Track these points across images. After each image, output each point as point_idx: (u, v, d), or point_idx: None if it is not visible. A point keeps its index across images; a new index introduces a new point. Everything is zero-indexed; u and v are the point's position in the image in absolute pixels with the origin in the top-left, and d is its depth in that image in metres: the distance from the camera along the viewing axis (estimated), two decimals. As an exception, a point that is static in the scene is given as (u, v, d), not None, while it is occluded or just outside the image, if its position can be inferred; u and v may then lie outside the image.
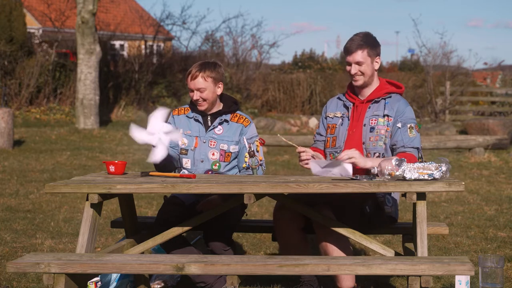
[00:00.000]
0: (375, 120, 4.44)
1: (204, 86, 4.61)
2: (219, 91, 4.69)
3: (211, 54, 24.29)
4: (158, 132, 4.24)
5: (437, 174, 3.89)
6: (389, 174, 3.94)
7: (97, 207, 4.09)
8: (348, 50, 4.48)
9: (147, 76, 21.63)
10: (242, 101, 22.90)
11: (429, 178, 3.88)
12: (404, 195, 3.98)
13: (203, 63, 4.70)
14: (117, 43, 26.17)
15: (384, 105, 4.45)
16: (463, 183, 3.87)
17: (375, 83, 4.52)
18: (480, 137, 14.17)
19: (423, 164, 3.95)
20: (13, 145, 13.33)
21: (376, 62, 4.49)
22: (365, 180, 3.94)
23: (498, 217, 7.40)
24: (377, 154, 4.38)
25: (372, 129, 4.42)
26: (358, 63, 4.45)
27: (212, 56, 23.65)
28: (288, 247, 4.46)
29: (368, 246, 4.17)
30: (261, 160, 4.59)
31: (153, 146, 4.26)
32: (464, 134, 16.24)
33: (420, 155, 4.45)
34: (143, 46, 24.18)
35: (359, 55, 4.44)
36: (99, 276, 4.64)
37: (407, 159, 4.20)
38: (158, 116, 4.26)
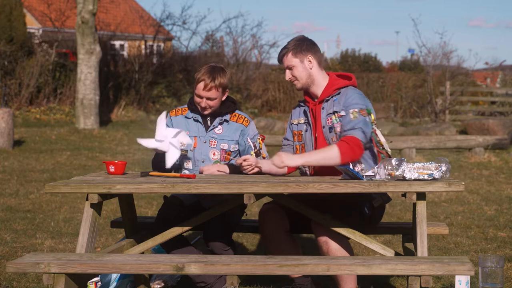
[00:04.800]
0: (330, 119, 4.36)
1: (215, 96, 4.61)
2: (225, 97, 4.70)
3: (211, 54, 24.30)
4: (166, 137, 4.25)
5: (437, 174, 3.89)
6: (389, 174, 3.95)
7: (97, 207, 4.09)
8: (277, 59, 4.49)
9: (147, 76, 21.63)
10: (242, 101, 22.91)
11: (429, 178, 3.88)
12: (404, 195, 3.98)
13: (212, 69, 4.62)
14: (117, 43, 26.16)
15: (333, 102, 4.37)
16: (463, 183, 3.86)
17: (322, 81, 4.42)
18: (480, 137, 14.18)
19: (423, 164, 3.96)
20: (13, 145, 13.33)
21: (309, 61, 4.38)
22: (365, 180, 3.95)
23: (498, 217, 7.40)
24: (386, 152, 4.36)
25: (330, 129, 4.36)
26: (288, 68, 4.41)
27: (212, 56, 23.65)
28: (275, 250, 4.44)
29: (368, 246, 4.17)
30: (264, 158, 4.59)
31: (165, 152, 4.27)
32: (464, 134, 16.25)
33: (366, 135, 4.22)
34: (143, 46, 24.18)
35: (285, 60, 4.40)
36: (99, 276, 4.65)
37: (346, 143, 4.15)
38: (163, 122, 4.29)
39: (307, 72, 4.39)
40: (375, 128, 4.33)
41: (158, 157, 4.55)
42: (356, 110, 4.26)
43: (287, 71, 4.43)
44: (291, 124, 4.58)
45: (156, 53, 24.06)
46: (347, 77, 4.49)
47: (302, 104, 4.56)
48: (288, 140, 4.59)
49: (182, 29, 29.47)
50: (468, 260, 3.74)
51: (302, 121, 4.50)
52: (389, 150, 4.38)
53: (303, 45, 4.40)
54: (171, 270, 3.76)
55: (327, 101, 4.39)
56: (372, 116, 4.32)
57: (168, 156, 4.27)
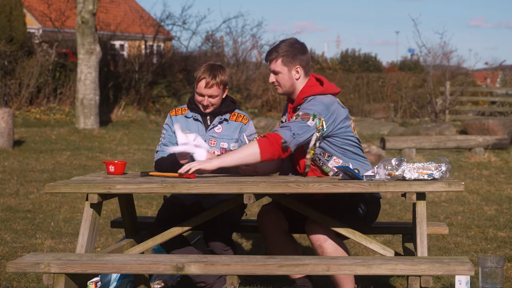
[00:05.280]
0: None
1: (217, 94, 4.63)
2: (225, 94, 4.71)
3: (211, 54, 24.30)
4: (189, 140, 4.32)
5: (436, 174, 3.89)
6: (389, 174, 3.95)
7: (97, 207, 4.10)
8: (265, 59, 4.40)
9: (147, 76, 21.63)
10: (242, 101, 22.91)
11: (429, 178, 3.88)
12: (404, 195, 3.98)
13: (211, 67, 4.63)
14: (117, 43, 26.16)
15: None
16: (463, 183, 3.87)
17: (300, 89, 4.37)
18: (480, 137, 14.19)
19: (423, 164, 3.96)
20: (13, 145, 13.33)
21: (296, 71, 4.32)
22: (365, 180, 3.95)
23: (498, 217, 7.40)
24: (308, 156, 4.31)
25: None
26: (274, 72, 4.35)
27: (212, 56, 23.65)
28: (275, 251, 4.45)
29: (368, 246, 4.18)
30: None
31: (192, 153, 4.32)
32: (464, 134, 16.25)
33: (293, 135, 4.11)
34: (143, 46, 24.18)
35: (273, 64, 4.33)
36: (99, 276, 4.65)
37: (267, 138, 4.09)
38: (179, 129, 4.40)
39: (291, 81, 4.35)
40: (317, 134, 4.20)
41: (168, 160, 4.55)
42: (300, 113, 4.21)
43: (272, 75, 4.37)
44: (281, 122, 4.57)
45: (156, 53, 24.05)
46: (321, 82, 4.41)
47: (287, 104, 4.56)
48: None
49: (182, 29, 29.48)
50: (468, 260, 3.74)
51: (284, 120, 4.52)
52: (308, 158, 4.27)
53: (295, 53, 4.32)
54: (171, 270, 3.76)
55: (298, 109, 4.35)
56: (321, 122, 4.19)
57: (196, 157, 4.30)
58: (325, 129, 4.21)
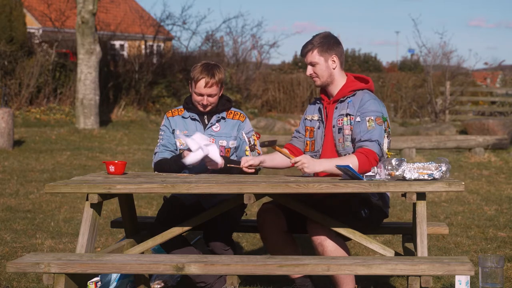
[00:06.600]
0: (341, 120, 4.36)
1: (216, 92, 4.66)
2: (221, 93, 4.73)
3: (211, 54, 24.29)
4: (200, 141, 4.38)
5: (437, 174, 3.89)
6: (389, 174, 3.95)
7: (97, 207, 4.10)
8: (301, 53, 4.47)
9: (147, 76, 21.62)
10: (242, 101, 22.91)
11: (429, 178, 3.88)
12: (404, 195, 3.98)
13: (208, 66, 4.66)
14: (117, 43, 26.15)
15: (347, 104, 4.37)
16: (463, 183, 3.87)
17: (340, 82, 4.43)
18: (480, 137, 14.19)
19: (423, 164, 3.96)
20: (13, 145, 13.33)
21: (333, 61, 4.39)
22: (365, 180, 3.95)
23: (498, 217, 7.40)
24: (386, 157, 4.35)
25: (340, 129, 4.35)
26: (311, 64, 4.41)
27: (212, 56, 23.64)
28: (274, 250, 4.46)
29: (368, 246, 4.18)
30: (259, 154, 4.62)
31: (191, 151, 4.38)
32: (464, 134, 16.25)
33: (381, 148, 4.25)
34: (143, 46, 24.17)
35: (310, 56, 4.40)
36: (99, 276, 4.65)
37: (365, 156, 4.15)
38: (182, 135, 4.57)
39: (329, 71, 4.40)
40: (385, 135, 4.31)
41: (172, 160, 4.60)
42: (372, 118, 4.26)
43: (309, 67, 4.42)
44: (305, 119, 4.59)
45: (156, 53, 24.03)
46: (364, 80, 4.49)
47: (318, 101, 4.58)
48: (299, 133, 4.61)
49: (182, 29, 29.46)
50: (468, 260, 3.74)
51: (316, 118, 4.51)
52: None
53: (330, 44, 4.39)
54: (171, 270, 3.76)
55: (341, 101, 4.40)
56: (387, 123, 4.33)
57: (190, 155, 4.39)
58: (389, 129, 4.35)
